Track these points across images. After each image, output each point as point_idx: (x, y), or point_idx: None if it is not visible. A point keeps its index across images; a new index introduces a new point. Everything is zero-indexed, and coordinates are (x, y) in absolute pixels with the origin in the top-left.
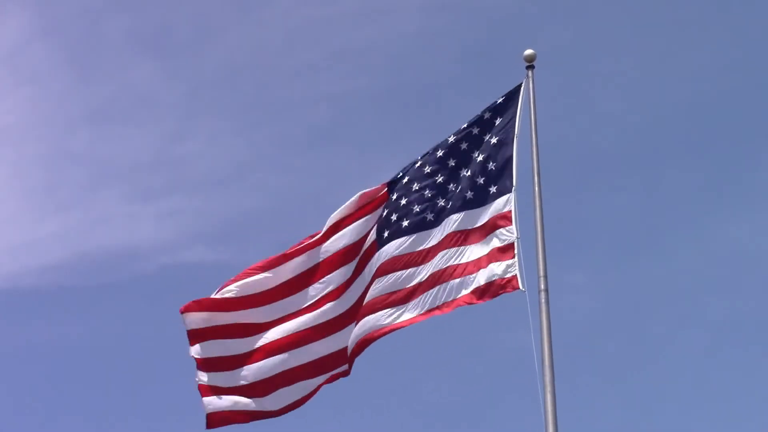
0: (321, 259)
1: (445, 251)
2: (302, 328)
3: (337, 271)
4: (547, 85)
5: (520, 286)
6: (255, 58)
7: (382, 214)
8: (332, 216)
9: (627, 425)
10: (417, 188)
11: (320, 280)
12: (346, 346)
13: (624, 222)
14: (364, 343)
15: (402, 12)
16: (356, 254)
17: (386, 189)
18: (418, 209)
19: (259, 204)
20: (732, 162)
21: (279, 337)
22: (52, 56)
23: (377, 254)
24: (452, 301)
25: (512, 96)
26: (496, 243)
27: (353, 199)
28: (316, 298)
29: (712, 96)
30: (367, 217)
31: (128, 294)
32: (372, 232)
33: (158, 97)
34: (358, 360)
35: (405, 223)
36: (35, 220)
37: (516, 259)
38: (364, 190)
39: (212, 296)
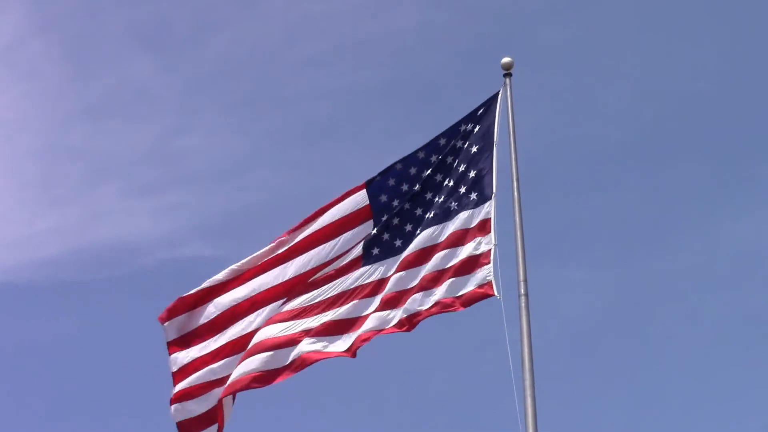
0: (301, 272)
1: (425, 263)
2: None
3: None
4: (551, 82)
5: (495, 293)
6: (254, 53)
7: (370, 232)
8: (306, 229)
9: (627, 422)
10: (408, 207)
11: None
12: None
13: (627, 219)
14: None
15: (402, 6)
16: (335, 269)
17: (368, 203)
18: (410, 228)
19: (258, 199)
20: (736, 159)
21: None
22: (50, 51)
23: (362, 270)
24: (427, 309)
25: (490, 104)
26: (474, 250)
27: (329, 214)
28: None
29: (716, 92)
30: (347, 233)
31: (126, 289)
32: (356, 248)
33: (156, 92)
34: (362, 354)
35: (398, 243)
36: (32, 214)
37: (492, 265)
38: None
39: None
